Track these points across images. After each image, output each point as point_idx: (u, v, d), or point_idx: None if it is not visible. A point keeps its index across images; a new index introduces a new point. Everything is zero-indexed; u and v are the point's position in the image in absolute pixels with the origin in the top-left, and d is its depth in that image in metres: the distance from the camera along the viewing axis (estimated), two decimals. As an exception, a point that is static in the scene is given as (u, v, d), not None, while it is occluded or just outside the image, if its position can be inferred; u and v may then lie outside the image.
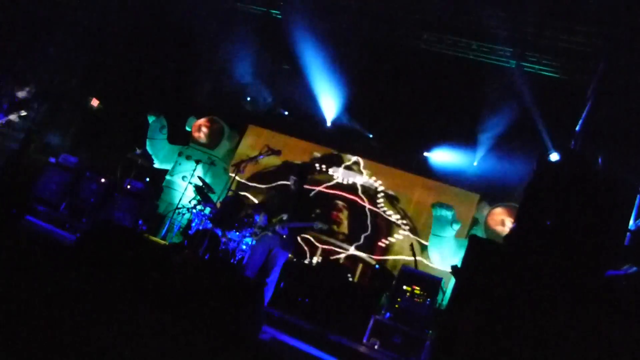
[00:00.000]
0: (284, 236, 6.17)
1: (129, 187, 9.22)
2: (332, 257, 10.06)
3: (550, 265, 3.20)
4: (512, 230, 5.99)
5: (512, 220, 8.71)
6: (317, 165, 11.14)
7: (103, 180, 9.25)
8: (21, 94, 7.87)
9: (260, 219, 6.55)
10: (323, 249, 10.16)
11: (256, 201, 10.78)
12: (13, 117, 7.53)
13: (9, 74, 9.65)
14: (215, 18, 11.26)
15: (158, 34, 11.61)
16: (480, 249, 3.46)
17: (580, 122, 7.87)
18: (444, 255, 9.12)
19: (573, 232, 3.35)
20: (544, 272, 3.18)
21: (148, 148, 10.84)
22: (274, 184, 11.05)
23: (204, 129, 11.24)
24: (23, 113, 7.56)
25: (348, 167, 11.01)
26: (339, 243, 10.27)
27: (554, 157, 8.47)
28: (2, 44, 10.36)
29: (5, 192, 5.91)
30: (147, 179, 10.20)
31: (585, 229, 3.34)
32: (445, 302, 7.64)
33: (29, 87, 7.91)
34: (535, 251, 3.36)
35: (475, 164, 9.93)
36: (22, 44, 10.76)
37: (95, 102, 12.03)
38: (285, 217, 6.22)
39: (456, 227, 8.99)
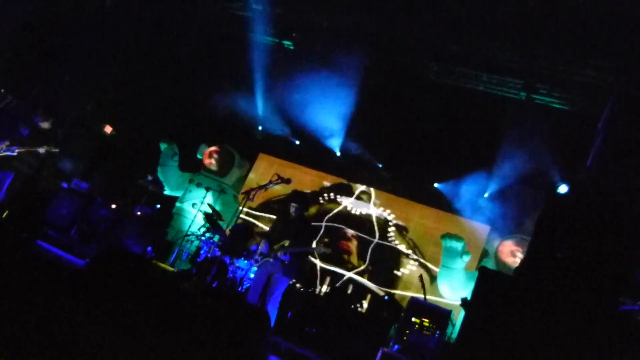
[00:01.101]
0: (285, 262, 6.16)
1: (139, 213, 9.26)
2: (339, 287, 9.97)
3: (562, 299, 3.16)
4: (522, 263, 5.93)
5: (522, 252, 8.63)
6: (326, 194, 11.14)
7: (114, 206, 9.30)
8: (44, 125, 8.00)
9: (261, 246, 6.55)
10: (331, 279, 10.08)
11: (266, 229, 10.78)
12: (41, 149, 7.67)
13: (26, 100, 9.83)
14: (228, 48, 11.43)
15: (171, 62, 11.81)
16: (490, 282, 3.42)
17: (591, 155, 7.84)
18: (453, 287, 9.02)
19: (585, 265, 3.31)
20: (555, 306, 3.13)
21: (159, 175, 10.91)
22: (279, 211, 11.05)
23: (215, 157, 11.30)
24: (42, 149, 7.70)
25: (358, 197, 11.00)
26: (347, 272, 10.20)
27: (563, 189, 8.45)
28: (20, 71, 10.57)
29: (17, 217, 5.96)
30: (158, 206, 10.23)
31: (598, 262, 3.30)
32: (454, 336, 7.52)
33: (50, 118, 8.06)
34: (547, 285, 3.32)
35: (486, 195, 9.89)
36: (39, 70, 10.97)
37: (108, 129, 12.18)
38: (286, 243, 6.22)
39: (466, 258, 8.91)
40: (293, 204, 6.52)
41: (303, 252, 6.41)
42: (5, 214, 6.44)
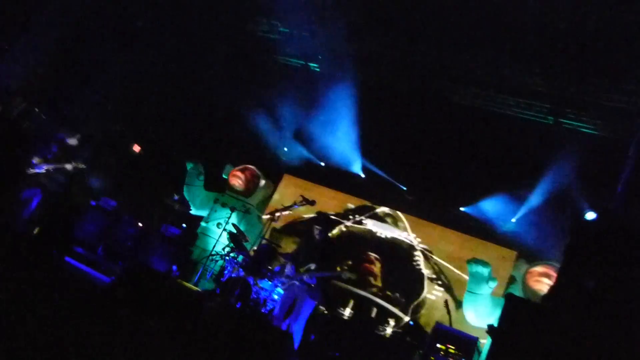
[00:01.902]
0: (312, 285, 6.14)
1: (165, 232, 9.35)
2: (363, 311, 9.87)
3: (591, 329, 3.08)
4: (551, 290, 5.80)
5: (551, 279, 8.45)
6: (350, 216, 11.12)
7: (140, 224, 9.41)
8: (72, 142, 8.17)
9: (287, 268, 6.55)
10: (354, 302, 9.99)
11: (289, 251, 10.77)
12: (69, 166, 7.83)
13: (56, 119, 10.06)
14: (254, 69, 11.59)
15: (198, 84, 12.00)
16: (517, 309, 3.36)
17: (621, 181, 7.68)
18: (479, 314, 8.85)
19: (615, 295, 3.23)
20: (584, 336, 3.06)
21: (185, 194, 11.03)
22: (303, 234, 11.04)
23: (240, 177, 11.40)
24: (70, 166, 7.86)
25: (382, 220, 10.94)
26: (371, 296, 10.10)
27: (590, 215, 8.28)
28: (53, 90, 10.86)
29: (47, 234, 6.07)
30: (184, 225, 10.32)
31: (628, 292, 3.22)
32: (480, 363, 7.37)
33: (78, 135, 8.22)
34: (576, 314, 3.25)
35: (513, 220, 9.75)
36: (71, 90, 11.25)
37: (136, 148, 12.39)
38: (312, 267, 6.20)
39: (492, 284, 8.76)
40: (316, 227, 6.52)
41: (328, 277, 6.39)
42: (36, 230, 6.56)
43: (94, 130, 11.36)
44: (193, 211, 11.27)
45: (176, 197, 10.04)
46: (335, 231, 10.82)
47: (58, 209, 7.32)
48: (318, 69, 11.17)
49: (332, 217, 11.00)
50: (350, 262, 10.39)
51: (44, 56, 10.88)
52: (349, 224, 11.01)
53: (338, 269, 6.27)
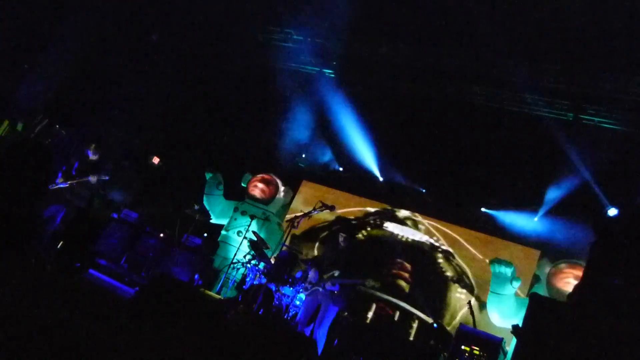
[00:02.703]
0: (335, 292, 6.14)
1: (186, 242, 9.42)
2: (386, 314, 9.82)
3: (618, 328, 3.03)
4: (576, 289, 5.72)
5: (576, 277, 8.33)
6: (371, 220, 11.08)
7: (162, 235, 9.50)
8: (93, 156, 8.29)
9: (311, 274, 6.55)
10: (378, 306, 9.95)
11: (310, 257, 10.77)
12: (92, 178, 7.95)
13: (77, 134, 10.23)
14: (270, 77, 11.66)
15: (215, 94, 12.11)
16: (542, 308, 3.32)
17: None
18: (503, 314, 8.75)
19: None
20: (611, 335, 3.01)
21: (205, 203, 11.11)
22: (326, 240, 11.04)
23: (259, 185, 11.45)
24: (93, 178, 7.97)
25: (403, 222, 10.90)
26: (394, 299, 10.05)
27: (612, 212, 8.16)
28: (74, 106, 11.04)
29: (71, 247, 6.15)
30: (205, 235, 10.39)
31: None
32: (506, 364, 7.28)
33: (99, 149, 8.34)
34: (602, 312, 3.20)
35: (535, 219, 9.63)
36: (90, 106, 11.43)
37: (156, 160, 12.53)
38: (336, 273, 6.20)
39: (516, 284, 8.66)
40: (342, 234, 6.52)
41: (351, 283, 6.38)
42: (60, 244, 6.66)
43: (114, 144, 11.52)
44: (213, 220, 11.34)
45: (197, 206, 10.11)
46: (358, 237, 10.79)
47: (81, 222, 7.41)
48: (333, 75, 11.20)
49: (354, 222, 10.98)
50: (381, 270, 10.31)
51: (63, 73, 11.08)
52: (371, 228, 10.97)
53: (368, 280, 6.25)
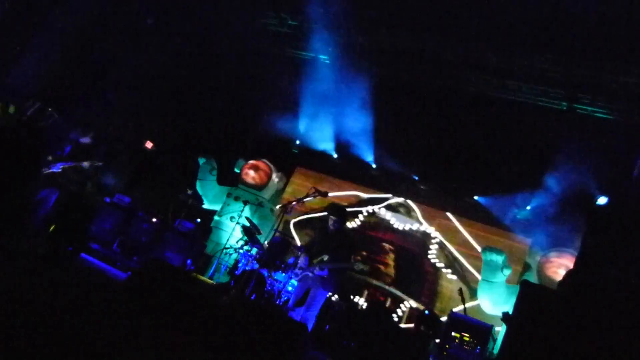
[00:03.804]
0: (324, 277, 6.14)
1: (179, 227, 9.42)
2: (378, 301, 9.89)
3: (608, 314, 3.06)
4: (566, 277, 5.77)
5: (566, 266, 8.40)
6: (364, 207, 11.11)
7: (154, 220, 9.49)
8: (85, 140, 8.23)
9: (301, 260, 6.55)
10: (369, 292, 10.01)
11: (302, 242, 10.79)
12: (85, 164, 7.89)
13: (71, 119, 10.15)
14: (265, 63, 11.59)
15: (209, 80, 12.04)
16: (533, 296, 3.34)
17: (637, 165, 7.60)
18: (494, 302, 8.84)
19: (631, 281, 3.21)
20: (601, 322, 3.04)
21: (198, 189, 11.10)
22: (317, 225, 11.07)
23: (252, 171, 11.44)
24: (87, 164, 7.91)
25: (395, 210, 10.93)
26: (385, 286, 10.12)
27: (602, 200, 8.22)
28: (66, 90, 10.94)
29: (63, 231, 6.13)
30: (198, 220, 10.38)
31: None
32: (496, 351, 7.36)
33: (91, 133, 8.28)
34: (593, 299, 3.23)
35: (528, 208, 9.69)
36: (84, 90, 11.33)
37: (149, 145, 12.46)
38: (325, 258, 6.20)
39: (507, 272, 8.73)
40: (332, 217, 6.51)
41: (340, 268, 6.38)
42: (51, 228, 6.63)
43: (107, 128, 11.45)
44: (206, 205, 11.34)
45: (190, 192, 10.10)
46: (349, 222, 10.82)
47: (73, 206, 7.38)
48: (328, 61, 11.15)
49: (345, 207, 11.01)
50: (364, 253, 10.40)
51: (56, 56, 10.96)
52: (363, 214, 11.00)
53: (358, 264, 6.21)
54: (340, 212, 6.64)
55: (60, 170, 7.76)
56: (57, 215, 7.48)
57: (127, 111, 12.20)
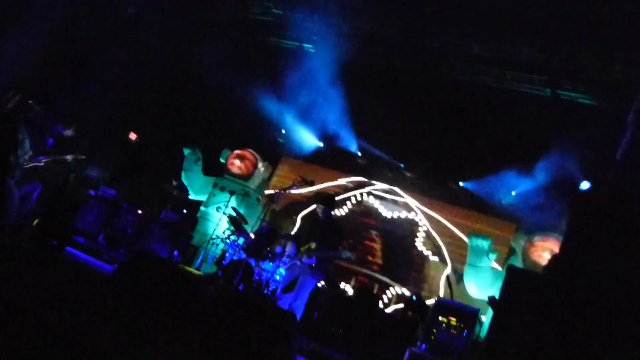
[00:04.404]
0: (312, 265, 6.14)
1: (165, 218, 9.37)
2: (365, 287, 9.94)
3: (593, 299, 3.11)
4: (552, 261, 5.85)
5: (550, 250, 8.51)
6: (350, 195, 11.12)
7: (140, 211, 9.43)
8: (68, 133, 8.14)
9: (288, 248, 6.54)
10: (357, 279, 10.06)
11: (290, 232, 10.80)
12: (69, 157, 7.81)
13: (52, 110, 10.02)
14: (249, 52, 11.52)
15: (193, 69, 11.93)
16: (519, 280, 3.39)
17: (619, 150, 7.68)
18: (480, 286, 8.93)
19: (616, 263, 3.25)
20: (587, 306, 3.08)
21: (183, 180, 11.03)
22: (306, 214, 11.07)
23: (238, 161, 11.38)
24: (70, 157, 7.84)
25: (381, 197, 10.97)
26: (372, 273, 10.17)
27: (585, 185, 8.33)
28: (48, 81, 10.79)
29: (47, 225, 6.07)
30: (184, 211, 10.34)
31: (629, 260, 3.24)
32: (482, 334, 7.45)
33: (73, 125, 8.19)
34: (578, 283, 3.27)
35: (513, 193, 9.78)
36: (66, 81, 11.18)
37: (133, 136, 12.35)
38: (313, 245, 6.19)
39: (492, 257, 8.82)
40: (319, 205, 6.49)
41: (329, 256, 6.38)
42: (35, 222, 6.57)
43: (90, 120, 11.32)
44: (192, 196, 11.28)
45: (174, 183, 10.03)
46: (336, 210, 10.83)
47: (57, 200, 7.31)
48: (313, 50, 11.10)
49: (333, 195, 11.01)
50: (351, 241, 10.42)
51: (37, 48, 10.79)
52: (350, 203, 11.02)
53: (345, 252, 6.21)
54: (328, 200, 6.63)
55: (43, 163, 7.67)
56: (40, 209, 7.42)
57: (110, 102, 12.06)
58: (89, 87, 11.48)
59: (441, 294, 9.36)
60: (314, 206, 7.51)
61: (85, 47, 11.34)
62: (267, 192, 11.35)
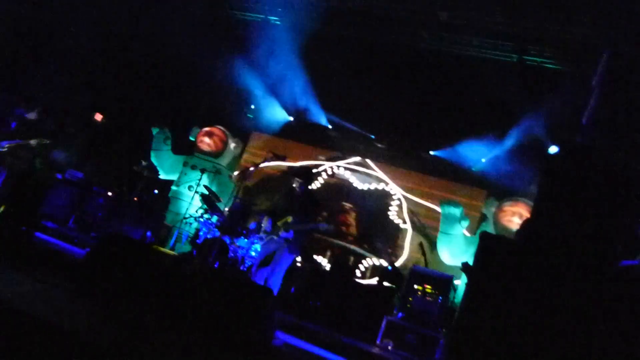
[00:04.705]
0: (290, 239, 6.12)
1: (135, 199, 9.24)
2: (341, 260, 10.02)
3: (563, 260, 3.17)
4: (523, 226, 5.96)
5: (520, 215, 8.68)
6: (322, 168, 11.13)
7: (110, 193, 9.27)
8: (31, 116, 7.90)
9: (264, 223, 6.49)
10: (332, 252, 10.13)
11: (263, 207, 10.77)
12: (33, 141, 7.59)
13: (14, 93, 9.71)
14: (214, 27, 11.29)
15: (157, 47, 11.65)
16: (492, 246, 3.43)
17: (586, 114, 7.81)
18: (453, 253, 9.09)
19: (586, 224, 3.32)
20: (558, 267, 3.15)
21: (153, 160, 10.87)
22: (279, 189, 11.05)
23: (208, 138, 11.26)
24: (34, 142, 7.62)
25: (353, 169, 10.99)
26: (347, 245, 10.24)
27: (553, 149, 8.49)
28: (7, 63, 10.43)
29: (15, 211, 5.94)
30: (156, 191, 10.21)
31: (598, 221, 3.31)
32: (457, 300, 7.61)
33: (37, 108, 7.94)
34: (550, 246, 3.33)
35: (483, 160, 9.91)
36: (26, 61, 10.82)
37: (98, 117, 12.07)
38: (290, 219, 6.16)
39: (464, 224, 8.97)
40: (297, 179, 6.42)
41: (307, 229, 6.36)
42: (1, 208, 6.41)
43: (53, 102, 11.01)
44: (163, 176, 11.14)
45: (143, 163, 9.88)
46: (311, 184, 10.83)
47: (23, 185, 7.13)
48: (279, 22, 10.93)
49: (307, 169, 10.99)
50: (325, 214, 10.45)
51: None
52: (322, 176, 11.01)
53: (323, 224, 6.20)
54: (305, 173, 6.57)
55: (6, 149, 7.46)
56: (6, 195, 7.23)
57: (73, 83, 11.73)
58: (49, 67, 11.14)
59: (416, 263, 9.49)
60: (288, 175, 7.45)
61: (45, 26, 10.96)
62: (236, 172, 11.27)
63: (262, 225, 6.50)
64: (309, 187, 6.61)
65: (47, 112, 8.78)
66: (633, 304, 2.88)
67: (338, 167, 11.02)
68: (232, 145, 11.37)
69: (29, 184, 7.39)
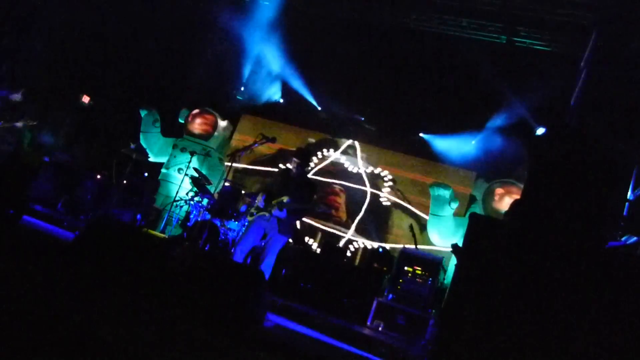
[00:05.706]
0: (282, 219, 6.06)
1: (125, 182, 9.18)
2: (331, 242, 10.06)
3: (552, 240, 3.20)
4: (512, 207, 6.00)
5: (510, 196, 8.73)
6: (312, 150, 11.11)
7: (99, 176, 9.20)
8: (16, 97, 7.79)
9: (258, 199, 6.39)
10: (323, 234, 10.16)
11: (253, 190, 10.75)
12: (19, 123, 7.50)
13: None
14: (203, 10, 11.16)
15: (145, 27, 11.51)
16: (481, 227, 3.45)
17: (574, 95, 7.85)
18: (443, 235, 9.15)
19: (574, 205, 3.34)
20: (546, 248, 3.18)
21: (142, 142, 10.79)
22: (271, 171, 11.03)
23: (197, 120, 11.19)
24: (20, 124, 7.53)
25: (344, 152, 10.99)
26: (338, 227, 10.28)
27: (540, 131, 8.53)
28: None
29: (2, 194, 5.88)
30: (146, 174, 10.15)
31: (585, 202, 3.34)
32: (447, 281, 7.67)
33: (21, 90, 7.84)
34: (538, 226, 3.36)
35: (473, 142, 9.94)
36: (7, 42, 10.64)
37: (85, 99, 11.93)
38: (285, 199, 6.08)
39: (454, 205, 9.01)
40: (295, 159, 6.34)
41: (302, 210, 6.30)
42: (-12, 192, 6.33)
43: (39, 83, 10.86)
44: (152, 158, 11.07)
45: (132, 145, 9.79)
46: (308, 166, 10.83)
47: (10, 168, 7.05)
48: (267, 2, 10.83)
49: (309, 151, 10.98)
50: (315, 196, 10.45)
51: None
52: (313, 159, 10.98)
53: (318, 205, 6.17)
54: (303, 154, 6.49)
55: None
56: (-7, 178, 7.15)
57: (59, 64, 11.56)
58: (34, 48, 10.97)
59: (406, 245, 9.54)
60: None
61: (29, 4, 10.77)
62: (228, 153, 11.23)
63: (256, 201, 6.39)
64: (306, 169, 6.55)
65: (32, 94, 8.67)
66: (621, 285, 2.92)
67: (330, 149, 11.01)
68: (221, 127, 11.31)
69: (16, 166, 7.31)
